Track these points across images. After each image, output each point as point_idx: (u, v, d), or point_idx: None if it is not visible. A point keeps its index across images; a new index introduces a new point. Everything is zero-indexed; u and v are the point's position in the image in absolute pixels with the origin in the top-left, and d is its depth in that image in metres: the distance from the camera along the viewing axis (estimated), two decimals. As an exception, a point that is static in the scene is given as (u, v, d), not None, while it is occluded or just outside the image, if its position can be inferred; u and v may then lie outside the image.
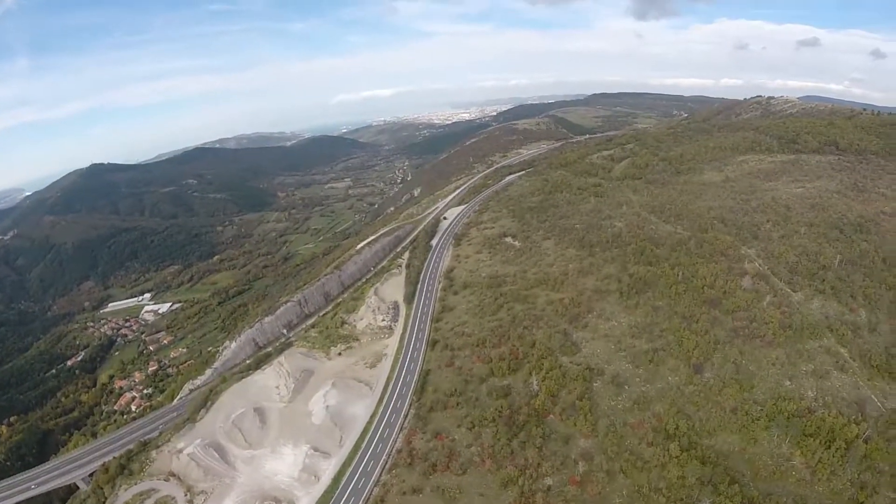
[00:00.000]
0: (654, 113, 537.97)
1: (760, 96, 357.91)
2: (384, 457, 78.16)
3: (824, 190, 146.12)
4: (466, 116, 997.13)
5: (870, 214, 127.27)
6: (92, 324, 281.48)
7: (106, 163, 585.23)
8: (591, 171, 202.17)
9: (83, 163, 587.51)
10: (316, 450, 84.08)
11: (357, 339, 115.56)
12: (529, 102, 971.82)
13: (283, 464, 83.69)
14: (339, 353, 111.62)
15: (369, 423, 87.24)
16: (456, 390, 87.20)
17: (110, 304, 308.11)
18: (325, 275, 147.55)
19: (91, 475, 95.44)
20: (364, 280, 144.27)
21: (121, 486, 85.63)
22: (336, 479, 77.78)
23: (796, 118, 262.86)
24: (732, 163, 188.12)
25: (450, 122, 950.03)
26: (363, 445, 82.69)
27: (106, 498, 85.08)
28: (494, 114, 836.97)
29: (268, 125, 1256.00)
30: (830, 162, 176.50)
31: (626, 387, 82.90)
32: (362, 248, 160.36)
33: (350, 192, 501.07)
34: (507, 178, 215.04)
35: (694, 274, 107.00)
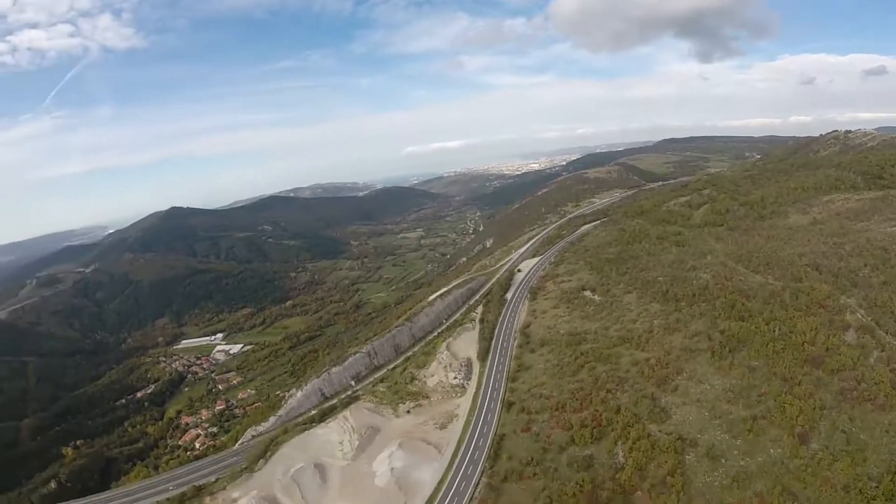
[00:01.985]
0: (726, 156, 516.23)
1: (837, 131, 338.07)
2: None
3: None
4: (536, 167, 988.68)
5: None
6: (164, 359, 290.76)
7: (184, 207, 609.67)
8: (668, 218, 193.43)
9: (163, 205, 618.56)
10: (378, 515, 77.46)
11: (427, 397, 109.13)
12: (598, 151, 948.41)
13: (343, 527, 77.32)
14: (408, 411, 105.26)
15: (436, 489, 79.68)
16: (533, 459, 79.12)
17: (183, 342, 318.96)
18: (396, 326, 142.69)
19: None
20: (436, 334, 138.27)
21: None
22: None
23: (878, 151, 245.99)
24: (817, 204, 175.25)
25: (519, 173, 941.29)
26: (429, 515, 75.38)
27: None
28: (564, 163, 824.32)
29: (340, 176, 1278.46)
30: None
31: (723, 460, 72.21)
32: (434, 299, 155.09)
33: (422, 241, 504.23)
34: (582, 229, 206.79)
35: (791, 329, 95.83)
